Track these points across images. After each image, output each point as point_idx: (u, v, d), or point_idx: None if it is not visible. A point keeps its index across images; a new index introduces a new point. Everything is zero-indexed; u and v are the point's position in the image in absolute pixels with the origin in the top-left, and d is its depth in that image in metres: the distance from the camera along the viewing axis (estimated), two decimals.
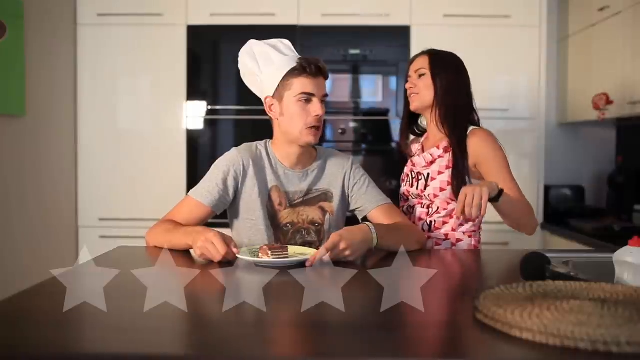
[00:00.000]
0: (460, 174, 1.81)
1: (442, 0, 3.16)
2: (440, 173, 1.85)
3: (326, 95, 1.72)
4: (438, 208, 1.86)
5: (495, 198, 1.64)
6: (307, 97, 1.67)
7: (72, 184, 3.20)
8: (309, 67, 1.66)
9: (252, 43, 1.75)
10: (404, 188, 1.98)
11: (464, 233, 1.86)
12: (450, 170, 1.83)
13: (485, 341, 0.92)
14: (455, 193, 1.81)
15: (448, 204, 1.84)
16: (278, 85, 1.70)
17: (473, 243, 1.87)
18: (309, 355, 0.89)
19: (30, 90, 2.79)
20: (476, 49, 3.10)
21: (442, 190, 1.84)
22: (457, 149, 1.82)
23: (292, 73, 1.68)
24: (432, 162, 1.88)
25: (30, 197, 2.83)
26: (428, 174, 1.87)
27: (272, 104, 1.74)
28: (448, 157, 1.84)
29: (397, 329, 1.01)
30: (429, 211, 1.87)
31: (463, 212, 1.58)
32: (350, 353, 0.88)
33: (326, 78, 1.72)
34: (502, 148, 1.83)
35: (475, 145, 1.81)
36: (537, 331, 0.86)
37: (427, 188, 1.86)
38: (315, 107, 1.68)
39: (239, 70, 1.78)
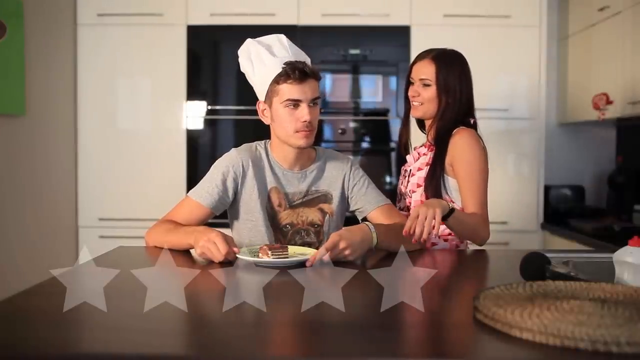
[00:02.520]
0: (434, 173, 1.79)
1: (442, 0, 3.16)
2: (419, 169, 1.86)
3: (318, 97, 1.68)
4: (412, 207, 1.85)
5: (445, 217, 1.59)
6: (294, 103, 1.65)
7: (72, 184, 3.20)
8: (293, 73, 1.62)
9: (248, 43, 1.73)
10: (398, 187, 2.00)
11: (439, 237, 1.83)
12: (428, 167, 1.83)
13: (485, 341, 0.92)
14: (426, 194, 1.80)
15: (422, 202, 1.82)
16: (267, 91, 1.69)
17: (449, 247, 1.85)
18: (309, 355, 0.89)
19: (30, 90, 2.78)
20: (476, 49, 3.09)
21: (418, 186, 1.85)
22: (436, 148, 1.82)
23: (279, 79, 1.65)
24: (417, 160, 1.90)
25: (30, 197, 2.83)
26: (411, 170, 1.89)
27: (265, 109, 1.73)
28: (431, 155, 1.85)
29: (397, 329, 1.01)
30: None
31: (411, 232, 1.53)
32: (350, 353, 0.88)
33: (318, 79, 1.69)
34: (481, 152, 1.79)
35: (455, 144, 1.79)
36: (537, 331, 0.86)
37: (408, 184, 1.88)
38: (303, 113, 1.64)
39: (239, 70, 1.78)
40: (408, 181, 1.89)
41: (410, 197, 1.87)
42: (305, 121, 1.64)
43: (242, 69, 1.76)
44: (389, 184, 3.19)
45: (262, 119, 1.76)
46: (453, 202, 1.81)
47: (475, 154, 1.78)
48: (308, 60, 1.74)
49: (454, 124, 1.83)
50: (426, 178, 1.82)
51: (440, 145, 1.82)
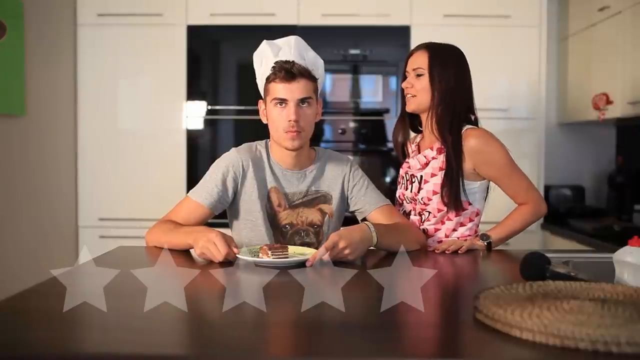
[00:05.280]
0: (453, 179, 1.73)
1: (442, 0, 3.16)
2: (433, 175, 1.77)
3: (309, 98, 1.67)
4: (429, 214, 1.78)
5: (488, 248, 1.74)
6: (281, 102, 1.66)
7: (72, 184, 3.20)
8: (280, 72, 1.64)
9: (262, 44, 1.76)
10: (399, 191, 1.91)
11: (457, 239, 1.78)
12: (443, 172, 1.75)
13: (485, 341, 0.92)
14: (444, 201, 1.74)
15: (440, 210, 1.77)
16: (263, 90, 1.73)
17: None
18: (309, 355, 0.89)
19: (30, 90, 2.78)
20: (476, 49, 3.09)
21: (435, 193, 1.76)
22: (450, 152, 1.74)
23: (269, 77, 1.68)
24: (426, 164, 1.80)
25: (30, 197, 2.83)
26: (421, 177, 1.80)
27: (263, 108, 1.75)
28: (441, 158, 1.77)
29: (397, 329, 1.01)
30: (422, 218, 1.81)
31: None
32: (350, 353, 0.88)
33: (312, 80, 1.68)
34: (499, 144, 1.76)
35: (472, 146, 1.73)
36: (537, 331, 0.86)
37: (421, 191, 1.79)
38: (289, 112, 1.65)
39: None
40: (420, 187, 1.79)
41: (426, 205, 1.79)
42: (291, 120, 1.65)
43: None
44: (388, 185, 3.19)
45: (262, 118, 1.77)
46: (471, 204, 1.78)
47: (499, 151, 1.75)
48: (320, 63, 1.76)
49: (451, 118, 1.75)
50: (443, 185, 1.74)
51: (452, 149, 1.73)
